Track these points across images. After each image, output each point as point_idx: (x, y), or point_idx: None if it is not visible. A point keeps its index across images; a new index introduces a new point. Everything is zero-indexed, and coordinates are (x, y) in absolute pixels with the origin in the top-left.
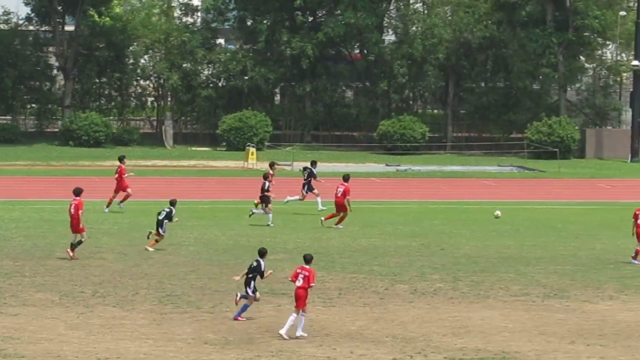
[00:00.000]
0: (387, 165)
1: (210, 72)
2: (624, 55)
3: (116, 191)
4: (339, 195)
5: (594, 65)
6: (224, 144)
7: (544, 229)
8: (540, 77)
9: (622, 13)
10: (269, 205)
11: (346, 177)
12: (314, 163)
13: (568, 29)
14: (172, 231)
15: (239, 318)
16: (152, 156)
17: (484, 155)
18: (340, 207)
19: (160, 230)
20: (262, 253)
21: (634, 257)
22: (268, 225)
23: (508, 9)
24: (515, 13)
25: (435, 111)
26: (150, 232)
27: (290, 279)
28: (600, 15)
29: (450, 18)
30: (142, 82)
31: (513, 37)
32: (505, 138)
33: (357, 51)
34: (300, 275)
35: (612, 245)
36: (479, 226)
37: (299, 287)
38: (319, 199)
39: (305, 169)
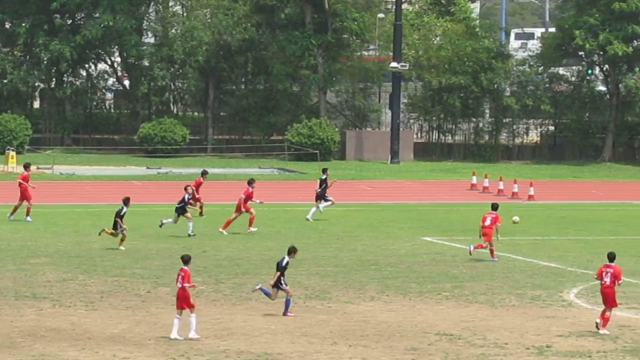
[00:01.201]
0: (148, 168)
1: None
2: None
3: (20, 200)
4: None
5: (354, 66)
6: None
7: (306, 231)
8: (300, 79)
9: (381, 15)
10: (188, 214)
11: (250, 181)
12: (325, 170)
13: (327, 31)
14: None
15: (288, 314)
16: None
17: (245, 157)
18: (239, 209)
19: (116, 229)
20: (290, 251)
21: (492, 255)
22: (189, 234)
23: (267, 11)
24: (275, 15)
25: (196, 114)
26: (103, 230)
27: (176, 282)
28: (358, 17)
29: (209, 20)
30: None
31: (272, 40)
32: (266, 140)
33: (117, 54)
34: (180, 277)
35: (373, 246)
36: (241, 228)
37: (179, 289)
38: (318, 208)
39: (321, 180)
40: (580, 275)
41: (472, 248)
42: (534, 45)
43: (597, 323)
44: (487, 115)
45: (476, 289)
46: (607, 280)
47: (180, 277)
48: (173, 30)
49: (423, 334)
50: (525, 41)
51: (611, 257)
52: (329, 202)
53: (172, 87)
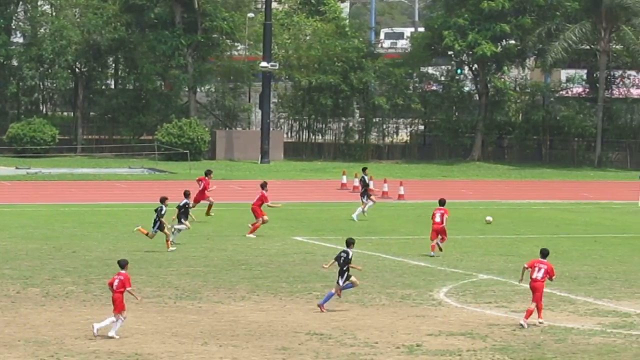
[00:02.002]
0: (17, 168)
1: None
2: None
3: None
4: (255, 201)
5: (224, 66)
6: None
7: None
8: (170, 79)
9: (250, 15)
10: (186, 222)
11: (263, 185)
12: (365, 169)
13: (197, 31)
14: None
15: (323, 308)
16: None
17: (115, 157)
18: (256, 213)
19: (152, 229)
20: (350, 243)
21: (432, 249)
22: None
23: (137, 10)
24: (144, 15)
25: (66, 113)
26: (138, 227)
27: (108, 283)
28: (228, 17)
29: (79, 20)
30: None
31: (142, 39)
32: (136, 140)
33: None
34: (116, 280)
35: (244, 246)
36: (111, 228)
37: (115, 292)
38: (363, 208)
39: (362, 180)
40: (450, 274)
41: (431, 253)
42: (404, 44)
43: (521, 324)
44: (357, 114)
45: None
46: (539, 275)
47: (117, 281)
48: (42, 30)
49: (294, 334)
50: (395, 41)
51: (544, 253)
52: (371, 203)
53: (42, 86)
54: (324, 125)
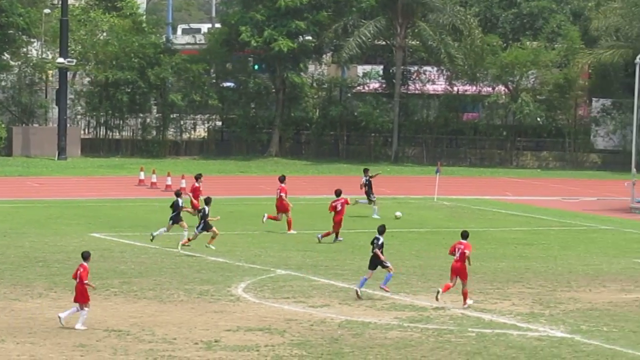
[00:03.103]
0: None
1: None
2: (49, 52)
3: None
4: (281, 197)
5: (20, 62)
6: None
7: None
8: None
9: (47, 11)
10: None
11: (282, 178)
12: (366, 171)
13: None
14: None
15: (386, 288)
16: None
17: None
18: (282, 208)
19: (197, 230)
20: (381, 231)
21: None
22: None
23: None
24: None
25: None
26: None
27: (72, 276)
28: (24, 12)
29: None
30: None
31: None
32: None
33: None
34: (79, 272)
35: (41, 243)
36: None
37: (77, 283)
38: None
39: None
40: (248, 270)
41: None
42: (201, 40)
43: (438, 292)
44: (155, 110)
45: (144, 285)
46: (458, 255)
47: (79, 272)
48: None
49: (91, 330)
50: (192, 36)
51: (464, 235)
52: (366, 202)
53: None
54: (121, 122)
